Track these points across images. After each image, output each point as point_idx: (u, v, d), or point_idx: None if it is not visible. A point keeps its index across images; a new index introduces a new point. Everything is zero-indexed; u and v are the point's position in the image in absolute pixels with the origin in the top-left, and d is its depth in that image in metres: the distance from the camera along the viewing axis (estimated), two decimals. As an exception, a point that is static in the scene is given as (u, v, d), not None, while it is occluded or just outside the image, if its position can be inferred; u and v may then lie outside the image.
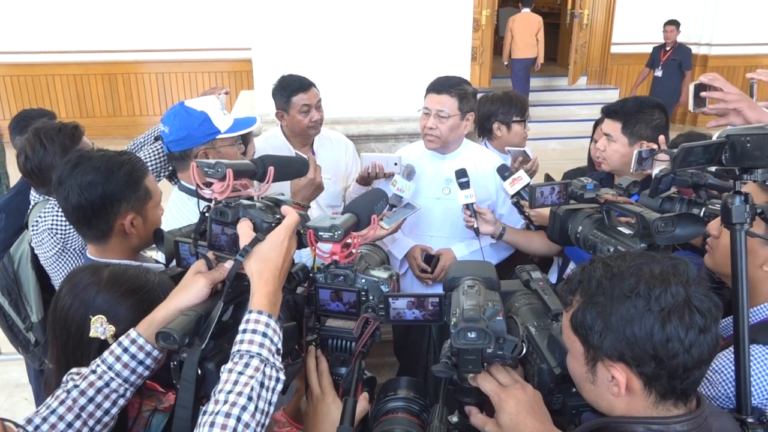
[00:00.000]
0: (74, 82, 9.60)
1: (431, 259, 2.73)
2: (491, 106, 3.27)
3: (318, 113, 2.97)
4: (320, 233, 1.17)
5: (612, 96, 9.79)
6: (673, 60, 8.66)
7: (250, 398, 1.04)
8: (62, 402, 1.16)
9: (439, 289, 2.14)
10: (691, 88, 2.02)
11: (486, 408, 1.20)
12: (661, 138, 2.37)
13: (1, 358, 4.08)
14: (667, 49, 8.79)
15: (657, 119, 2.38)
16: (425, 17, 3.48)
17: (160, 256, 2.17)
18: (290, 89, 2.92)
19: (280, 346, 1.15)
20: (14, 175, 2.99)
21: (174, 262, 1.62)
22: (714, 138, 1.35)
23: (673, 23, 8.82)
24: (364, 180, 2.82)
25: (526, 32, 9.43)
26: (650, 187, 1.69)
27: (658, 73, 8.69)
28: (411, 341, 2.96)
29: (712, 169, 1.65)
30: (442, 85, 2.65)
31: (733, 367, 1.37)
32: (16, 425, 1.12)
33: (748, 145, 1.25)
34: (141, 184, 1.80)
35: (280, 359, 1.14)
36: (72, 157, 1.82)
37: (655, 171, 1.73)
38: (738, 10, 10.05)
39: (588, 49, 10.41)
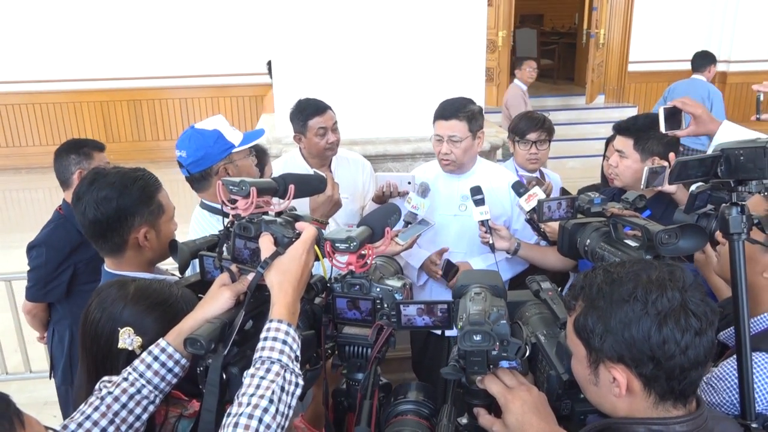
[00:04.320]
0: (101, 108, 9.84)
1: (452, 266, 2.75)
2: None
3: (334, 135, 3.05)
4: (337, 244, 1.25)
5: (630, 114, 9.72)
6: None
7: (271, 401, 1.10)
8: (96, 408, 1.22)
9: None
10: (661, 111, 2.10)
11: (494, 409, 1.25)
12: (671, 155, 2.41)
13: (30, 377, 4.16)
14: None
15: (669, 136, 2.43)
16: (440, 39, 3.57)
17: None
18: (306, 113, 3.00)
19: (298, 353, 1.21)
20: (51, 208, 2.98)
21: (187, 272, 1.71)
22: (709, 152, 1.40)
23: None
24: (380, 199, 2.89)
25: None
26: (686, 203, 1.72)
27: None
28: (429, 357, 3.00)
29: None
30: (449, 111, 2.69)
31: (736, 375, 1.40)
32: None
33: (742, 158, 1.29)
34: (154, 199, 1.86)
35: (298, 366, 1.20)
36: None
37: (692, 188, 1.76)
38: (757, 27, 10.02)
39: (605, 67, 10.43)
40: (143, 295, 1.45)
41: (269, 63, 6.29)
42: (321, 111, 3.01)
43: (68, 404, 2.99)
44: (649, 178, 2.27)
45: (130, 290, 1.45)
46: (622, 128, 2.50)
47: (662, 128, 2.11)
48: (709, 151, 1.45)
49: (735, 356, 1.42)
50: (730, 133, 1.96)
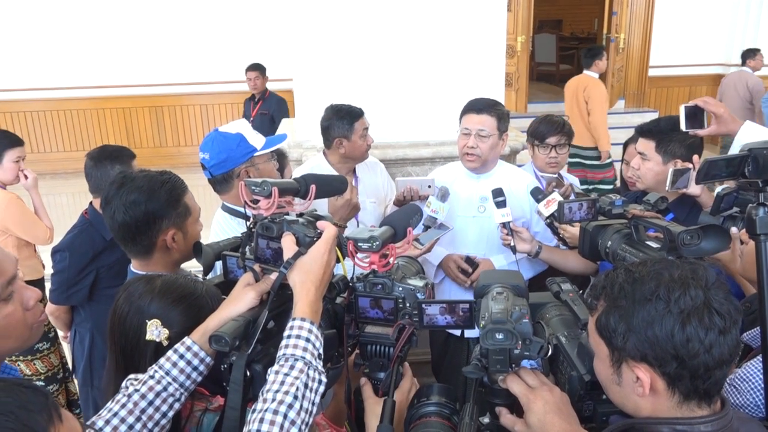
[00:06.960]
0: (123, 114, 9.97)
1: (472, 264, 2.76)
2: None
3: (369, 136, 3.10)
4: (360, 244, 1.26)
5: (651, 119, 9.64)
6: (264, 114, 6.78)
7: (295, 397, 1.12)
8: (123, 405, 1.25)
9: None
10: (682, 109, 2.10)
11: (515, 409, 1.25)
12: (695, 157, 2.39)
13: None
14: (256, 100, 6.91)
15: (691, 138, 2.39)
16: (460, 44, 3.58)
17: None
18: (352, 115, 3.04)
19: (321, 351, 1.23)
20: (75, 213, 3.02)
21: (210, 274, 1.73)
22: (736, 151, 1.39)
23: (256, 68, 6.84)
24: (401, 204, 2.90)
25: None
26: (712, 204, 1.70)
27: None
28: (449, 359, 3.00)
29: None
30: (481, 106, 2.70)
31: (761, 376, 1.39)
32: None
33: (770, 158, 1.29)
34: (181, 202, 1.89)
35: (321, 363, 1.22)
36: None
37: (718, 189, 1.75)
38: (780, 31, 9.89)
39: (625, 72, 10.35)
40: (170, 289, 1.48)
41: None
42: (362, 113, 3.07)
43: (88, 405, 3.04)
44: (674, 178, 2.25)
45: (157, 284, 1.49)
46: (644, 130, 2.48)
47: (683, 126, 2.11)
48: (730, 152, 1.44)
49: (759, 357, 1.41)
50: (752, 134, 1.95)
